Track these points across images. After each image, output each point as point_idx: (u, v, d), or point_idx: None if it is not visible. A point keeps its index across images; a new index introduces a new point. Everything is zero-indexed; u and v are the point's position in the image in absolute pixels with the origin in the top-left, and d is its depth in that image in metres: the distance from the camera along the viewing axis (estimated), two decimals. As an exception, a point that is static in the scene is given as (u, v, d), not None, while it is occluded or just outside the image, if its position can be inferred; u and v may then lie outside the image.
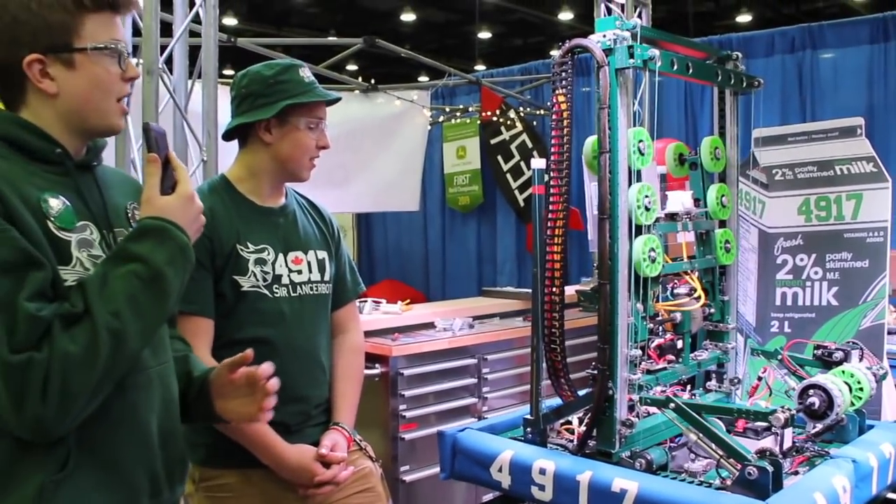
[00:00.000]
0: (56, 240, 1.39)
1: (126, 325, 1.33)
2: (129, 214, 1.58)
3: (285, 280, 2.18)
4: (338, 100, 2.25)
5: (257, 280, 2.13)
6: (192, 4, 3.37)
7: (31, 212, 1.36)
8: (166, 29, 3.33)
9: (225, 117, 2.36)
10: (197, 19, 3.36)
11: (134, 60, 1.55)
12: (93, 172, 1.55)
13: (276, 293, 2.15)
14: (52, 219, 1.39)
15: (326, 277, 2.29)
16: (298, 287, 2.20)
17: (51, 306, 1.32)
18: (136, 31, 3.21)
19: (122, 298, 1.34)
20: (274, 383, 1.60)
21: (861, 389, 2.25)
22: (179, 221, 1.45)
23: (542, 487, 2.12)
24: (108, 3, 1.46)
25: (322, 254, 2.29)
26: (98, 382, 1.32)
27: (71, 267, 1.40)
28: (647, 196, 2.14)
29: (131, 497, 1.47)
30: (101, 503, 1.42)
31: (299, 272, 2.21)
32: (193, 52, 3.42)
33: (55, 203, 1.41)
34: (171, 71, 3.33)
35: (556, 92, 2.19)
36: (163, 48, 3.23)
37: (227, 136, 2.26)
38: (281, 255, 2.19)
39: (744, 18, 11.08)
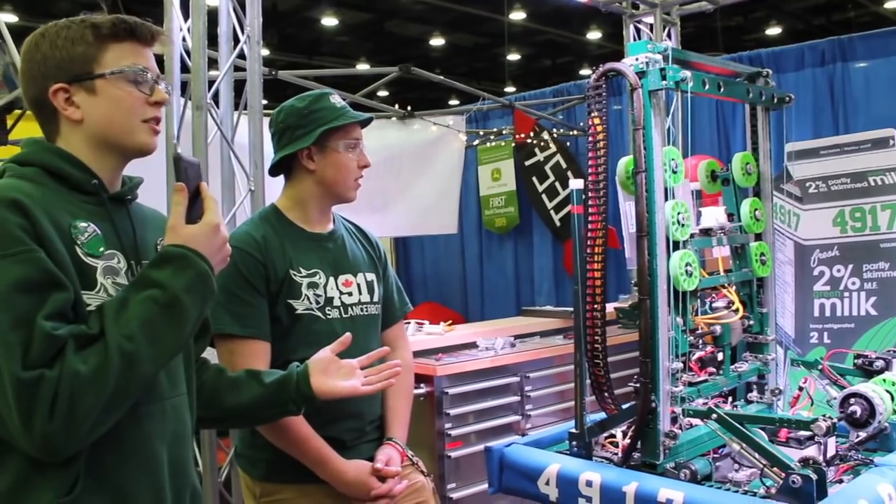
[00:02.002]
0: (82, 265, 1.42)
1: (139, 348, 1.35)
2: (158, 248, 1.60)
3: (337, 302, 2.25)
4: (370, 119, 2.32)
5: (310, 303, 2.20)
6: (236, 40, 3.48)
7: (60, 236, 1.39)
8: (211, 64, 3.45)
9: (269, 148, 2.45)
10: (241, 55, 3.48)
11: (166, 91, 1.62)
12: (127, 206, 1.60)
13: (329, 315, 2.22)
14: (80, 244, 1.43)
15: (376, 298, 2.36)
16: (350, 308, 2.27)
17: (67, 327, 1.33)
18: (185, 69, 3.34)
19: (138, 322, 1.36)
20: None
21: (903, 397, 2.25)
22: (202, 250, 1.47)
23: (588, 499, 2.14)
24: (128, 33, 1.53)
25: (371, 276, 2.36)
26: (107, 403, 1.32)
27: (95, 292, 1.43)
28: (680, 213, 2.19)
29: None
30: None
31: (350, 294, 2.28)
32: (237, 86, 3.53)
33: (85, 229, 1.45)
34: (217, 105, 3.44)
35: (592, 115, 2.23)
36: (209, 83, 3.35)
37: (273, 171, 2.34)
38: (332, 279, 2.26)
39: (773, 31, 11.03)
